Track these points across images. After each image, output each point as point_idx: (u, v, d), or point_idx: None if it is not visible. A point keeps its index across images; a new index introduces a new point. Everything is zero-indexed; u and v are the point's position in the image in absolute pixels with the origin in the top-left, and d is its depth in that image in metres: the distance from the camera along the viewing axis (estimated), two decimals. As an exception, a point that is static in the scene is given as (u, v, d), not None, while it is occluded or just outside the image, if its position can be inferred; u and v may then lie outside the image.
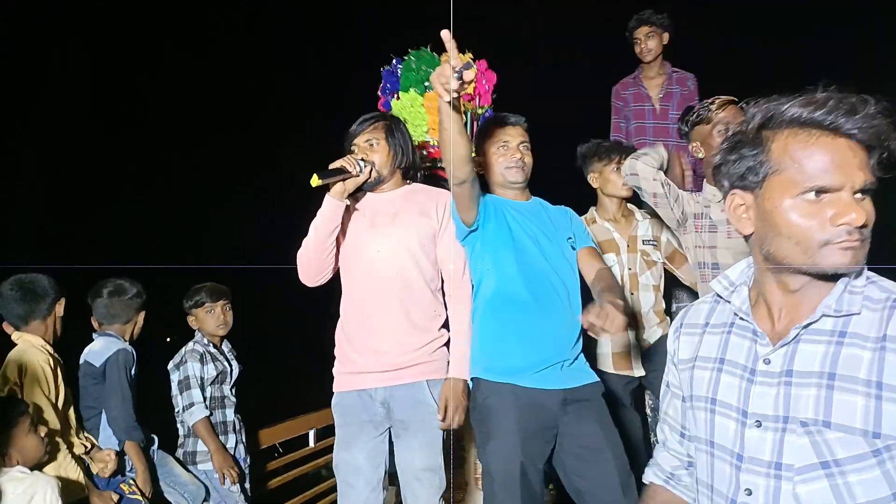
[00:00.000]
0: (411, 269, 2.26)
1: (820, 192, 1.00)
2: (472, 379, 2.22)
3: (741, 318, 1.15)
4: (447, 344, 2.30)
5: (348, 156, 2.24)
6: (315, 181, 2.08)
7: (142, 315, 2.85)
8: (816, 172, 1.00)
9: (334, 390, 2.33)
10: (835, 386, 1.01)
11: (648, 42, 3.71)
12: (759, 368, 1.10)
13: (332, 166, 2.17)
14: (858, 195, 1.00)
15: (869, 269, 1.06)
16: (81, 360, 2.75)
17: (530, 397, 2.10)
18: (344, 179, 2.17)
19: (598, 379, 2.23)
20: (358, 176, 2.20)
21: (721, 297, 1.21)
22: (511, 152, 2.30)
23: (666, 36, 3.73)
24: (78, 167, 9.96)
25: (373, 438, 2.25)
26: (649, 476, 1.38)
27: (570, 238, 2.30)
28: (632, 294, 2.82)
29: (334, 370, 2.34)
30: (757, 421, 1.08)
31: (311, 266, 2.29)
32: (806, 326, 1.06)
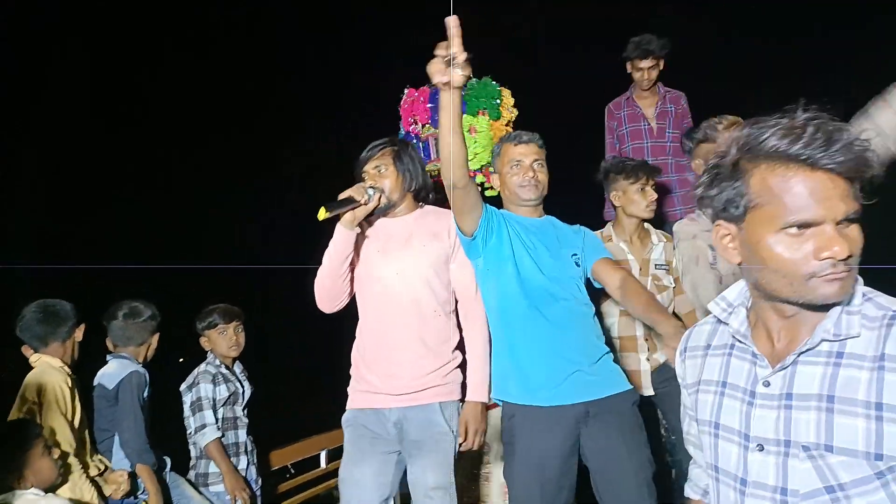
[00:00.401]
0: (424, 294, 2.28)
1: (802, 226, 0.99)
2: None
3: (739, 341, 1.15)
4: (461, 366, 2.34)
5: (357, 184, 2.26)
6: (322, 214, 2.09)
7: (156, 337, 2.85)
8: (797, 207, 0.99)
9: (348, 407, 2.36)
10: (835, 409, 1.00)
11: (651, 73, 3.78)
12: (759, 391, 1.09)
13: (341, 196, 2.18)
14: (843, 224, 0.99)
15: (872, 268, 1.07)
16: (95, 383, 2.75)
17: (549, 416, 2.13)
18: (353, 209, 2.19)
19: (629, 387, 2.24)
20: (367, 204, 2.22)
21: (720, 320, 1.20)
22: (524, 170, 2.32)
23: (662, 62, 3.80)
24: (78, 167, 9.90)
25: (382, 454, 2.28)
26: (688, 492, 1.40)
27: (574, 255, 2.30)
28: None
29: (349, 388, 2.38)
30: (759, 445, 1.07)
31: (326, 293, 2.33)
32: (804, 352, 1.05)
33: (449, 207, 2.25)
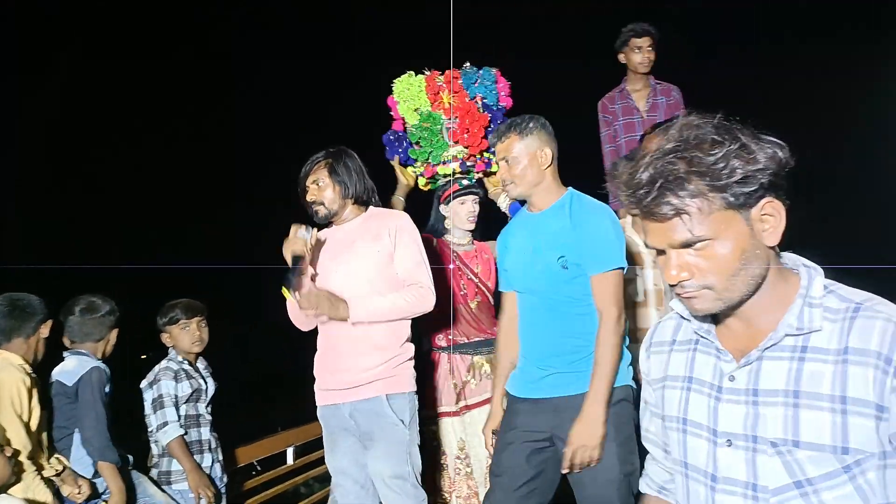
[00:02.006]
0: (367, 292, 2.42)
1: (658, 251, 1.07)
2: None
3: (703, 336, 1.16)
4: (414, 358, 2.53)
5: (289, 238, 2.37)
6: (287, 293, 2.31)
7: (114, 333, 2.79)
8: (646, 234, 1.07)
9: (317, 404, 2.56)
10: (801, 404, 1.01)
11: (650, 53, 3.76)
12: (725, 386, 1.10)
13: (287, 257, 2.35)
14: (693, 249, 1.02)
15: (875, 269, 1.07)
16: (52, 379, 2.69)
17: (518, 407, 2.29)
18: (303, 266, 2.35)
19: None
20: (313, 247, 2.39)
21: (681, 316, 1.22)
22: (503, 170, 2.33)
23: (654, 52, 3.80)
24: (76, 167, 9.77)
25: (353, 442, 2.47)
26: (643, 487, 1.40)
27: (561, 257, 2.20)
28: (658, 310, 2.79)
29: (315, 386, 2.57)
30: (728, 440, 1.08)
31: (299, 323, 2.56)
32: (767, 348, 1.06)
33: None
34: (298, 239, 2.36)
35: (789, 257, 1.11)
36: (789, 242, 1.08)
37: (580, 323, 2.19)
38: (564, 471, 2.12)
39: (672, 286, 1.06)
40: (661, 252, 1.06)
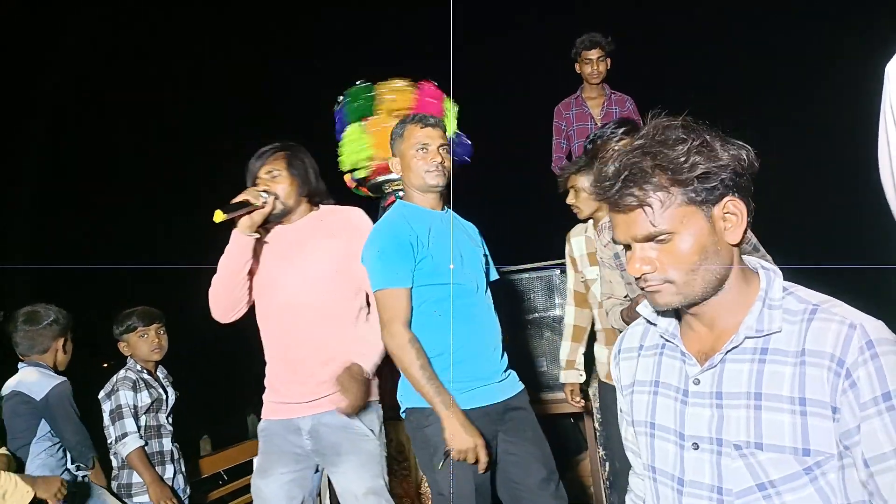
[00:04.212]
0: (327, 297, 2.22)
1: (624, 245, 1.09)
2: (405, 409, 2.14)
3: (668, 340, 1.17)
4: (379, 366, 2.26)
5: (250, 188, 2.20)
6: (219, 216, 2.04)
7: (61, 342, 2.70)
8: (613, 229, 1.10)
9: (262, 417, 2.30)
10: (762, 406, 1.02)
11: (600, 65, 3.91)
12: (691, 389, 1.11)
13: (234, 200, 2.12)
14: (655, 242, 1.04)
15: (873, 267, 1.03)
16: (9, 391, 2.62)
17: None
18: (249, 212, 2.14)
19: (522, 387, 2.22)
20: (263, 207, 2.17)
21: (647, 321, 1.22)
22: (431, 155, 2.18)
23: (609, 60, 3.95)
24: (73, 166, 9.74)
25: (291, 471, 2.21)
26: (627, 503, 1.38)
27: (485, 255, 2.28)
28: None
29: (264, 396, 2.32)
30: (694, 443, 1.09)
31: (222, 302, 2.26)
32: (729, 350, 1.07)
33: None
34: (256, 192, 2.16)
35: (749, 260, 1.12)
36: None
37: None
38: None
39: (637, 279, 1.09)
40: (627, 247, 1.09)
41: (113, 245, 9.63)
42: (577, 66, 4.00)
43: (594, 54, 3.88)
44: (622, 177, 1.03)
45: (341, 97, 3.20)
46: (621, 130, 2.29)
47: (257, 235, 2.19)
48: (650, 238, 1.04)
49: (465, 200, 2.37)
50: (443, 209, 2.25)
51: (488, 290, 2.24)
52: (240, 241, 2.16)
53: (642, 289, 1.10)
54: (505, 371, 2.18)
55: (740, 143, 1.04)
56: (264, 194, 2.17)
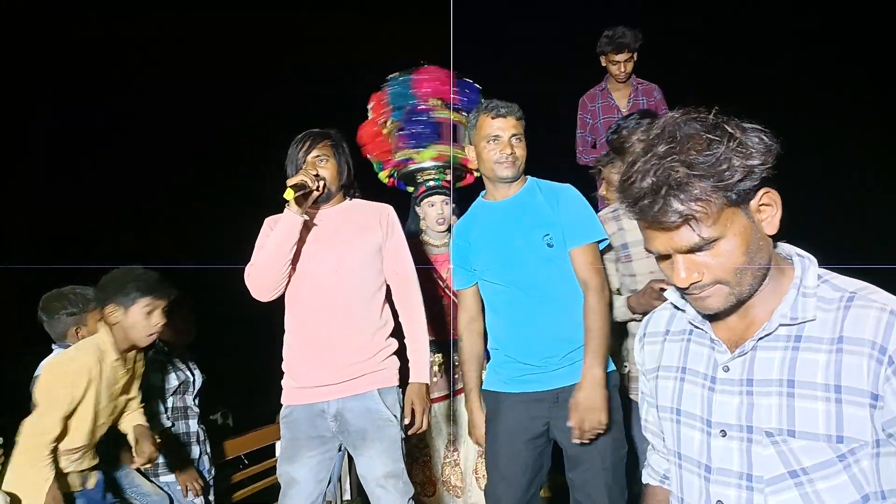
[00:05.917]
0: (354, 283, 2.28)
1: (659, 255, 1.06)
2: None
3: (697, 327, 1.16)
4: (398, 352, 2.36)
5: (304, 170, 2.23)
6: (290, 194, 2.11)
7: (73, 329, 2.67)
8: (646, 240, 1.06)
9: (283, 403, 2.34)
10: (795, 393, 1.01)
11: (627, 66, 3.78)
12: (720, 376, 1.10)
13: (291, 182, 2.16)
14: (699, 252, 1.01)
15: (873, 268, 1.08)
16: (38, 372, 2.68)
17: (506, 402, 2.22)
18: (308, 193, 2.19)
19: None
20: (318, 191, 2.23)
21: (675, 306, 1.21)
22: (502, 146, 2.19)
23: (636, 54, 3.82)
24: (73, 165, 9.77)
25: (318, 453, 2.28)
26: (645, 477, 1.40)
27: (546, 235, 2.18)
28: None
29: (283, 382, 2.36)
30: (722, 430, 1.08)
31: (268, 281, 2.26)
32: (762, 338, 1.06)
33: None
34: (311, 175, 2.20)
35: (783, 248, 1.11)
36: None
37: (568, 312, 2.17)
38: (575, 441, 2.08)
39: (684, 289, 1.05)
40: (663, 256, 1.05)
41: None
42: (602, 60, 3.87)
43: (621, 57, 3.76)
44: (662, 192, 0.97)
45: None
46: (646, 121, 2.27)
47: (307, 217, 2.23)
48: (696, 249, 1.01)
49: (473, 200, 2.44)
50: (515, 193, 2.28)
51: (538, 276, 2.21)
52: (292, 220, 2.19)
53: (690, 297, 1.07)
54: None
55: (757, 126, 1.01)
56: (316, 178, 2.23)
